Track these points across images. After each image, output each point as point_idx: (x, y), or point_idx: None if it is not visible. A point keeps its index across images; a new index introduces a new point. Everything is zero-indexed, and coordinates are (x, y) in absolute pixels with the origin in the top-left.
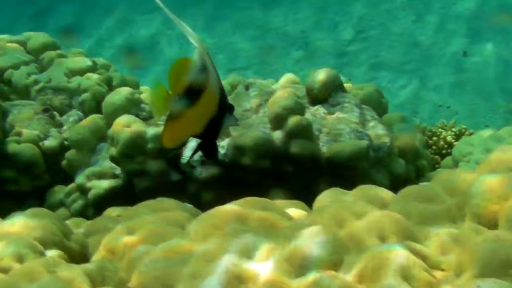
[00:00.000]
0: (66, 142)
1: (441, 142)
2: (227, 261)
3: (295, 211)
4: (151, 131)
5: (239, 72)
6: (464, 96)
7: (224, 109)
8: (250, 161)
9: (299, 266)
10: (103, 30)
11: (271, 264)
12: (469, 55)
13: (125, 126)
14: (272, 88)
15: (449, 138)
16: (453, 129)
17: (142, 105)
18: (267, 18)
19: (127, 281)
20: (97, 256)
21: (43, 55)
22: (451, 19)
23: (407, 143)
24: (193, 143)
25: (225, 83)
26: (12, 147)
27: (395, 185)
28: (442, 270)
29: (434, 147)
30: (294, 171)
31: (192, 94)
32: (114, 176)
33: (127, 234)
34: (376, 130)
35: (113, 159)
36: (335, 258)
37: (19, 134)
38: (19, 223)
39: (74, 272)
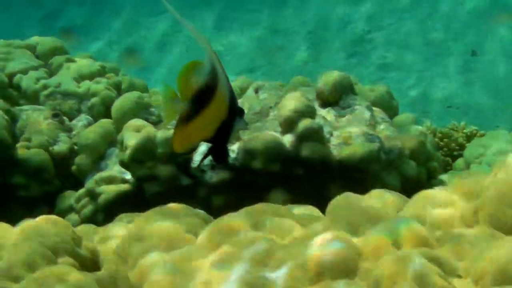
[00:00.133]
0: (75, 147)
1: (452, 144)
2: (241, 269)
3: (308, 216)
4: (161, 135)
5: (248, 74)
6: (474, 96)
7: (234, 112)
8: (261, 165)
9: (314, 273)
10: (111, 32)
11: (285, 272)
12: (478, 54)
13: (135, 130)
14: (282, 91)
15: (460, 140)
16: (464, 131)
17: (151, 109)
18: (275, 19)
19: None
20: (109, 264)
21: (52, 59)
22: (459, 18)
23: (410, 145)
24: (203, 147)
25: (234, 85)
26: (22, 152)
27: (407, 187)
28: (459, 276)
29: (445, 149)
30: (304, 174)
31: (202, 97)
32: (124, 181)
33: (139, 241)
34: (387, 133)
35: (123, 164)
36: (350, 265)
37: (28, 139)
38: (30, 231)
39: (86, 280)
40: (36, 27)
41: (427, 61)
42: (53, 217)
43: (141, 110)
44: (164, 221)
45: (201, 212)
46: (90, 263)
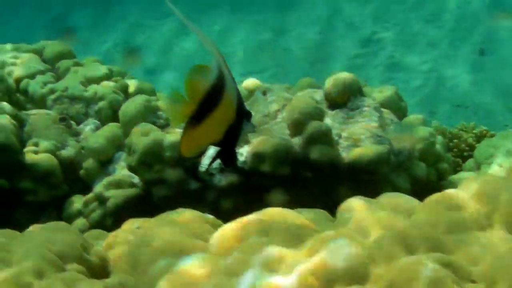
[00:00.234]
0: (83, 151)
1: (462, 145)
2: (251, 275)
3: (318, 220)
4: (168, 139)
5: (255, 76)
6: (482, 95)
7: (242, 115)
8: (270, 168)
9: (325, 279)
10: (117, 35)
11: (295, 278)
12: (485, 53)
13: (142, 134)
14: (290, 93)
15: (470, 140)
16: (474, 131)
17: (159, 113)
18: (282, 21)
19: None
20: (118, 270)
21: (58, 63)
22: (466, 17)
23: (406, 144)
24: (211, 150)
25: (242, 88)
26: (30, 157)
27: (417, 189)
28: (473, 282)
29: (455, 149)
30: (313, 177)
31: (210, 101)
32: (132, 185)
33: (148, 247)
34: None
35: (130, 168)
36: (361, 271)
37: (36, 144)
38: (38, 237)
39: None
40: (43, 31)
41: (435, 61)
42: (61, 223)
43: (148, 113)
44: (173, 227)
45: (210, 217)
46: (99, 270)
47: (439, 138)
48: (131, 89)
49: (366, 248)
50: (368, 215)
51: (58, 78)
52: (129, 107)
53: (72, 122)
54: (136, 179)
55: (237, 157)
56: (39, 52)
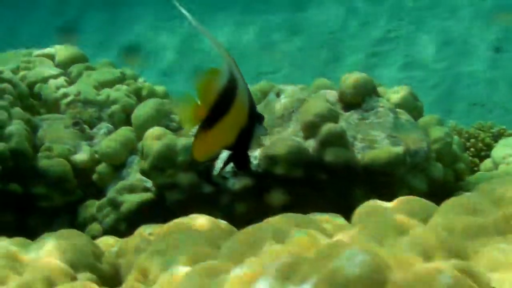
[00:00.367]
0: (96, 156)
1: (479, 144)
2: (265, 283)
3: (333, 225)
4: (181, 143)
5: (268, 76)
6: (498, 93)
7: (254, 119)
8: (284, 170)
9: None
10: (130, 37)
11: (310, 287)
12: (501, 50)
13: (155, 138)
14: (303, 94)
15: (487, 140)
16: (492, 130)
17: (172, 116)
18: (295, 21)
19: None
20: (130, 278)
21: (71, 67)
22: (482, 14)
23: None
24: (225, 154)
25: (256, 89)
26: (43, 162)
27: (434, 190)
28: None
29: (472, 149)
30: (329, 179)
31: (222, 104)
32: (146, 189)
33: (160, 255)
34: (412, 135)
35: (143, 172)
36: (377, 278)
37: (49, 148)
38: (50, 246)
39: None
40: (57, 34)
41: (451, 59)
42: (73, 231)
43: (161, 117)
44: (185, 234)
45: (223, 222)
46: (110, 278)
47: (456, 138)
48: (144, 92)
49: (381, 255)
50: (383, 219)
51: (71, 82)
52: (142, 110)
53: (85, 126)
54: (149, 184)
55: (249, 161)
56: (51, 57)
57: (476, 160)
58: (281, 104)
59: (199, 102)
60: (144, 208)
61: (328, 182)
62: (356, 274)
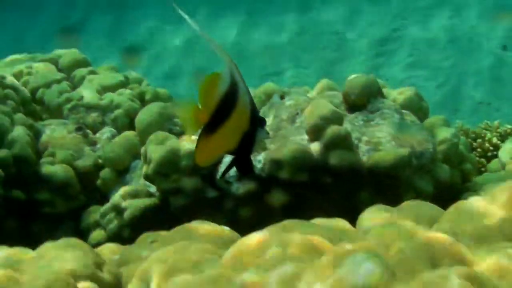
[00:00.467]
0: (100, 160)
1: (486, 144)
2: None
3: (338, 231)
4: (184, 147)
5: (275, 77)
6: (505, 91)
7: (256, 123)
8: (288, 175)
9: None
10: (136, 40)
11: None
12: (508, 49)
13: (158, 143)
14: (308, 97)
15: (494, 140)
16: (498, 130)
17: (176, 120)
18: (301, 22)
19: None
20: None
21: (74, 72)
22: (488, 12)
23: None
24: (228, 158)
25: (260, 92)
26: (46, 168)
27: (440, 192)
28: None
29: (479, 149)
30: (333, 183)
31: (224, 109)
32: (149, 194)
33: (161, 263)
34: (418, 136)
35: (147, 177)
36: (383, 287)
37: (52, 154)
38: (50, 255)
39: None
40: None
41: (456, 58)
42: (74, 239)
43: (165, 121)
44: (188, 242)
45: (227, 229)
46: (112, 287)
47: (462, 139)
48: (148, 96)
49: (387, 263)
50: (389, 225)
51: (74, 87)
52: (145, 115)
53: (89, 131)
54: (153, 189)
55: (253, 165)
56: (54, 61)
57: (483, 160)
58: (285, 106)
59: (200, 107)
60: (148, 214)
61: (333, 185)
62: (361, 282)
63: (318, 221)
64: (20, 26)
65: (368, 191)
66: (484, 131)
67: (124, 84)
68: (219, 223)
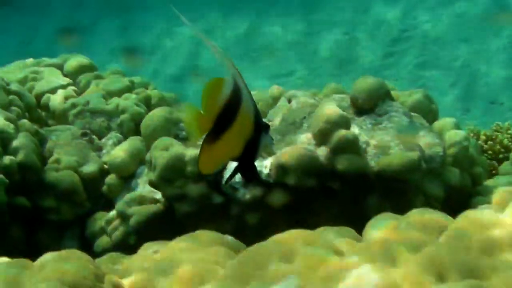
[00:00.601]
0: (106, 166)
1: (497, 146)
2: None
3: (344, 242)
4: (189, 153)
5: (284, 78)
6: None
7: (260, 128)
8: (295, 180)
9: None
10: (146, 44)
11: None
12: None
13: (163, 149)
14: (315, 100)
15: (505, 142)
16: (509, 131)
17: (181, 124)
18: (308, 23)
19: None
20: None
21: (80, 77)
22: (499, 10)
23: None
24: (234, 164)
25: (267, 95)
26: (51, 175)
27: (451, 196)
28: None
29: (490, 152)
30: (341, 187)
31: (227, 115)
32: (155, 201)
33: (163, 275)
34: (427, 139)
35: (152, 184)
36: None
37: (57, 161)
38: (49, 267)
39: None
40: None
41: (467, 57)
42: (74, 251)
43: (171, 126)
44: (190, 253)
45: (230, 239)
46: None
47: (472, 141)
48: (154, 100)
49: (392, 277)
50: (396, 236)
51: (79, 92)
52: (150, 119)
53: (94, 136)
54: (158, 195)
55: (257, 172)
56: (60, 66)
57: (494, 163)
58: (292, 110)
59: (203, 113)
60: (153, 220)
61: (341, 190)
62: None
63: (324, 229)
64: (28, 29)
65: (376, 196)
66: (495, 133)
67: (130, 88)
68: (225, 229)
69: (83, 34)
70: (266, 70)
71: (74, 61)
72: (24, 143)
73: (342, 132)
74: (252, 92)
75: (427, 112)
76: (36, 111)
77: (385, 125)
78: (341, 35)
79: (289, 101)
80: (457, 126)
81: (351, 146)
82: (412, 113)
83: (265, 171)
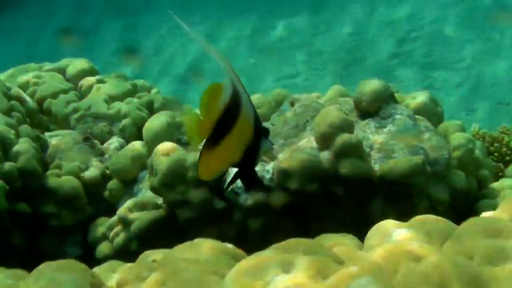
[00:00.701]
0: (107, 171)
1: (504, 148)
2: None
3: (344, 250)
4: (191, 158)
5: (290, 79)
6: None
7: (260, 133)
8: (297, 185)
9: None
10: (150, 46)
11: None
12: None
13: (164, 154)
14: (318, 103)
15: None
16: None
17: (184, 129)
18: (314, 24)
19: None
20: None
21: (81, 81)
22: (506, 10)
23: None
24: (235, 169)
25: (270, 98)
26: (52, 181)
27: (456, 199)
28: None
29: (496, 154)
30: (345, 192)
31: (226, 121)
32: (157, 206)
33: (161, 286)
34: (432, 142)
35: (153, 189)
36: None
37: (59, 166)
38: (45, 278)
39: None
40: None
41: (473, 58)
42: (70, 261)
43: (172, 130)
44: (188, 261)
45: (230, 247)
46: None
47: (478, 143)
48: (156, 104)
49: (393, 286)
50: (397, 244)
51: (81, 96)
52: (152, 124)
53: (96, 141)
54: (160, 200)
55: (257, 177)
56: (62, 70)
57: (501, 165)
58: (295, 113)
59: (202, 119)
60: (155, 226)
61: (344, 195)
62: None
63: (326, 237)
64: (34, 31)
65: (380, 200)
66: (501, 134)
67: (132, 92)
68: (228, 235)
69: (87, 36)
70: (273, 72)
71: (76, 65)
72: (24, 148)
73: (345, 136)
74: (255, 96)
75: (432, 114)
76: (38, 116)
77: (389, 128)
78: (347, 36)
79: (292, 104)
80: (462, 129)
81: (355, 150)
82: (417, 116)
83: (268, 175)
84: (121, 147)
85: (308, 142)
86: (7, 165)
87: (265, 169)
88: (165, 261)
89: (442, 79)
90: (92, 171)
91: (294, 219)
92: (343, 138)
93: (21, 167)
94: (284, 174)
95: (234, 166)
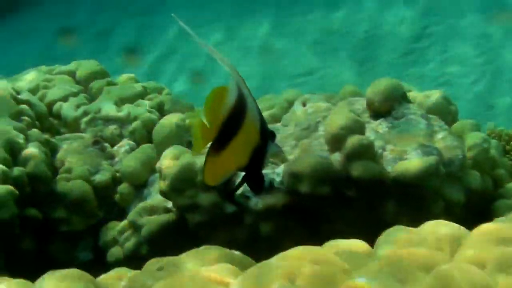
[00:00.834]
0: (118, 175)
1: None
2: None
3: (352, 257)
4: (200, 162)
5: (304, 78)
6: None
7: (266, 136)
8: (308, 188)
9: None
10: (162, 47)
11: None
12: None
13: (173, 158)
14: (330, 103)
15: None
16: None
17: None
18: (329, 21)
19: None
20: None
21: (91, 84)
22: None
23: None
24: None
25: (281, 99)
26: (62, 185)
27: (472, 200)
28: None
29: None
30: (357, 195)
31: (232, 124)
32: (167, 210)
33: None
34: (446, 142)
35: (162, 193)
36: None
37: (68, 170)
38: None
39: None
40: (88, 46)
41: (490, 53)
42: (74, 271)
43: (182, 132)
44: (193, 272)
45: (237, 254)
46: None
47: (494, 142)
48: (167, 106)
49: None
50: (407, 253)
51: (91, 99)
52: (162, 126)
53: (106, 144)
54: (170, 204)
55: (265, 181)
56: (72, 73)
57: None
58: (306, 114)
59: (207, 123)
60: (165, 230)
61: (356, 198)
62: None
63: (334, 243)
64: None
65: (393, 202)
66: None
67: (143, 94)
68: (238, 239)
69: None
70: (287, 71)
71: (86, 67)
72: (34, 153)
73: (356, 137)
74: (267, 96)
75: (446, 113)
76: (48, 120)
77: (402, 129)
78: (361, 33)
79: (304, 104)
80: (477, 128)
81: (366, 152)
82: (430, 115)
83: (278, 178)
84: (132, 150)
85: (319, 144)
86: (16, 170)
87: (275, 171)
88: (172, 269)
89: (459, 75)
90: (103, 175)
91: (305, 221)
92: (354, 139)
93: (30, 172)
94: (294, 177)
95: (240, 170)
